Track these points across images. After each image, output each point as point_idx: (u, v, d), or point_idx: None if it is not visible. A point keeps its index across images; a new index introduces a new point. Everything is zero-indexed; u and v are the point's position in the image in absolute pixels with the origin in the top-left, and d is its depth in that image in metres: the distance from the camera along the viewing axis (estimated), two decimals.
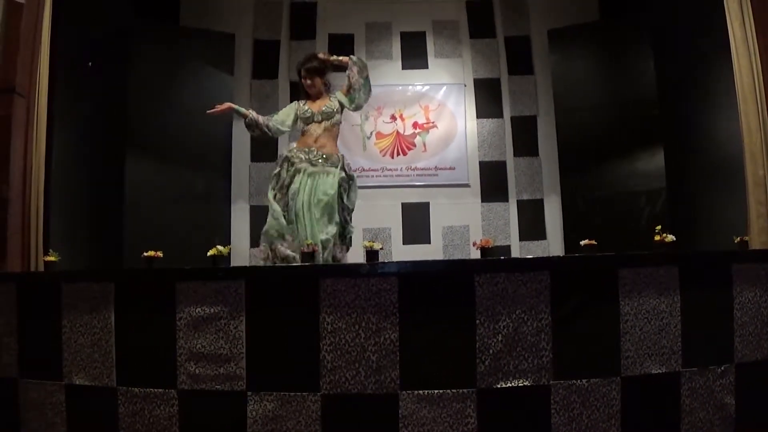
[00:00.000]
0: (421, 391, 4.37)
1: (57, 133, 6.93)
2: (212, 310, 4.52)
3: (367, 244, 5.26)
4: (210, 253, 5.21)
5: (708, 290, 4.72)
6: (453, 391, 4.37)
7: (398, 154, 10.18)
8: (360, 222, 9.39)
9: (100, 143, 8.32)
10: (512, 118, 10.24)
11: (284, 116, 6.73)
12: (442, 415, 4.36)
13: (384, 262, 5.20)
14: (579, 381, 4.44)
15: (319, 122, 6.60)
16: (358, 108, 6.86)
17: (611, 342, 4.51)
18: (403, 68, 10.41)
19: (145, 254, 5.31)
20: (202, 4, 9.96)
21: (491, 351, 4.40)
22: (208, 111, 6.63)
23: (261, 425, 4.43)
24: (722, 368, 4.66)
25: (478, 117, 10.24)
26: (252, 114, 6.65)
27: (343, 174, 6.52)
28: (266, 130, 6.68)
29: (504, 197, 10.01)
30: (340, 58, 6.75)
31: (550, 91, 10.03)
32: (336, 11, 10.39)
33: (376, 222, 8.90)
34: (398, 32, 10.49)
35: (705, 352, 4.64)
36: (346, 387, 4.40)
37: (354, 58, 6.71)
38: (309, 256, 5.33)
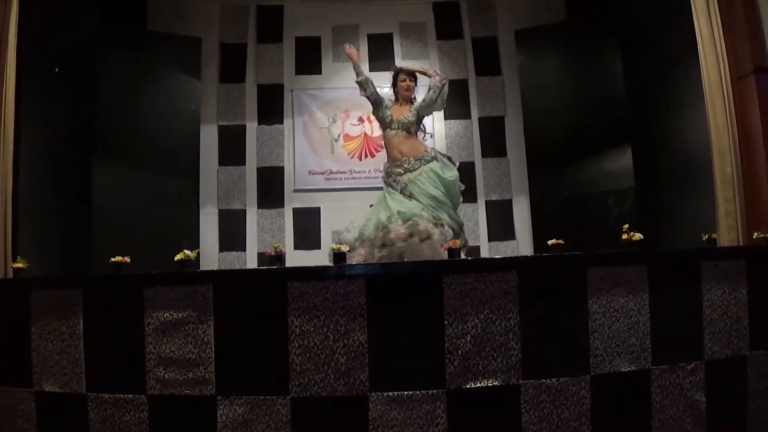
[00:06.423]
0: (390, 393, 4.38)
1: (24, 139, 6.89)
2: (180, 315, 4.51)
3: (335, 246, 5.22)
4: (177, 257, 5.13)
5: (677, 288, 4.77)
6: (423, 392, 4.38)
7: (366, 156, 10.16)
8: (328, 224, 9.44)
9: (68, 148, 8.28)
10: (480, 119, 10.25)
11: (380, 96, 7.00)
12: (412, 416, 4.36)
13: (352, 264, 5.23)
14: (548, 380, 4.46)
15: (396, 130, 6.79)
16: (431, 106, 7.11)
17: (580, 341, 4.54)
18: (370, 70, 10.26)
19: (113, 260, 5.25)
20: (169, 8, 9.88)
21: (460, 351, 4.41)
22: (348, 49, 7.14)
23: (231, 429, 4.42)
24: (692, 365, 4.70)
25: (446, 118, 10.21)
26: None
27: (436, 162, 6.76)
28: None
29: (473, 198, 9.95)
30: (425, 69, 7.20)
31: (518, 91, 10.06)
32: (302, 14, 10.34)
33: (344, 224, 8.77)
34: (365, 34, 10.43)
35: (675, 349, 4.68)
36: (316, 390, 4.40)
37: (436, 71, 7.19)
38: (276, 259, 5.31)
